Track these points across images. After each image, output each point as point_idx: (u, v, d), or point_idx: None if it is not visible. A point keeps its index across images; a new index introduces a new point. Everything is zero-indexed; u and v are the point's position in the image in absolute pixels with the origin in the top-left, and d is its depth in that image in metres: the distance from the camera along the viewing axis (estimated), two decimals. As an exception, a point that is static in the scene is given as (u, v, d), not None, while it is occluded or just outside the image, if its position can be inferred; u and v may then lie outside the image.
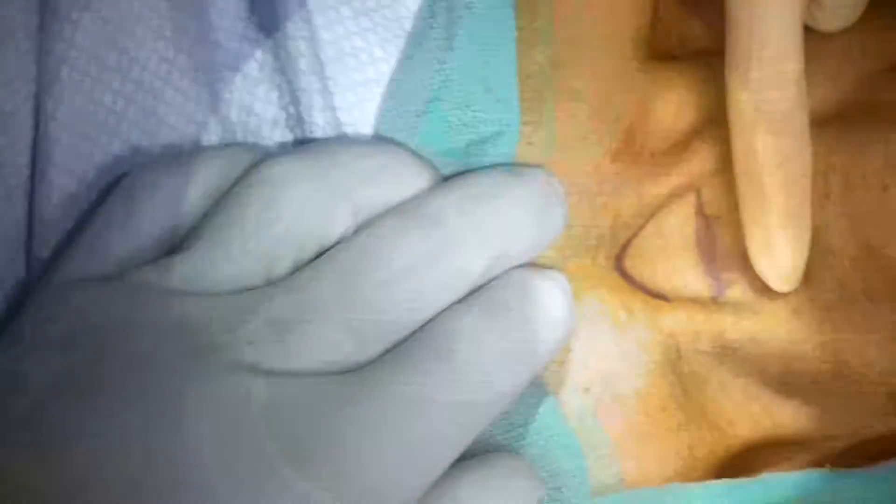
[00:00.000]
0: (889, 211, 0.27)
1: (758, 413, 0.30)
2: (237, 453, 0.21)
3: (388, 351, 0.24)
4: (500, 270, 0.26)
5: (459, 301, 0.25)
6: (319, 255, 0.25)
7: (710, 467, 0.30)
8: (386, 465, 0.22)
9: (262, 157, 0.26)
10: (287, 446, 0.22)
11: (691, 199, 0.30)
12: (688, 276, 0.30)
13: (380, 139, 0.27)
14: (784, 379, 0.29)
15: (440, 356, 0.24)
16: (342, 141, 0.27)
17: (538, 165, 0.28)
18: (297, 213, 0.25)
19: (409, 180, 0.27)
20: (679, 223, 0.30)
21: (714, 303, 0.30)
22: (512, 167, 0.28)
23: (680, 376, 0.30)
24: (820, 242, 0.28)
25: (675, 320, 0.30)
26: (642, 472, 0.29)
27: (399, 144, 0.27)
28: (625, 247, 0.30)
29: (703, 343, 0.30)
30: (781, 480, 0.27)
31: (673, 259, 0.30)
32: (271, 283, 0.25)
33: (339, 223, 0.25)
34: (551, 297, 0.26)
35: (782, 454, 0.29)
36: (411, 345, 0.24)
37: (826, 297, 0.28)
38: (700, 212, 0.30)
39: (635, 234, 0.30)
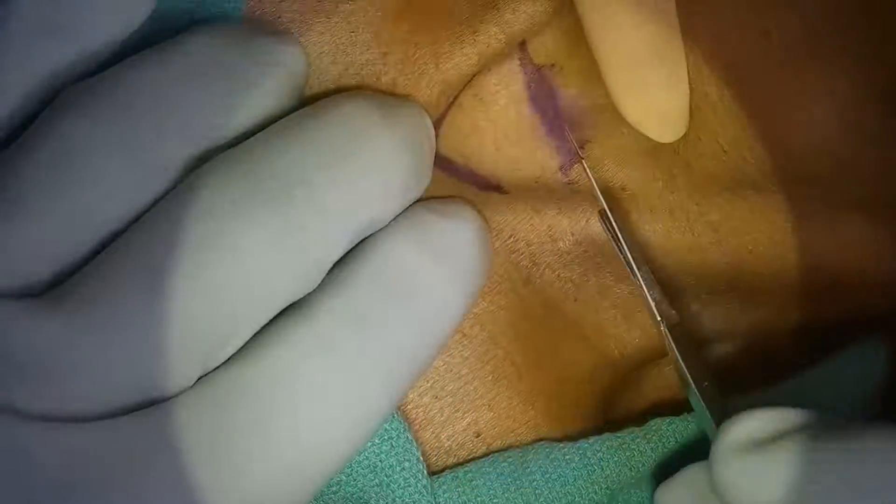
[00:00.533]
0: (772, 63, 0.24)
1: (646, 321, 0.27)
2: None
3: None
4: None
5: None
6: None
7: (591, 396, 0.28)
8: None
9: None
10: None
11: (513, 54, 0.25)
12: (525, 147, 0.26)
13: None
14: (673, 279, 0.27)
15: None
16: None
17: (406, 99, 0.25)
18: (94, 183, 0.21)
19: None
20: (502, 82, 0.26)
21: (567, 184, 0.26)
22: (379, 103, 0.23)
23: (537, 291, 0.27)
24: (694, 96, 0.24)
25: (519, 217, 0.26)
26: (502, 422, 0.27)
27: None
28: (436, 126, 0.25)
29: (563, 241, 0.27)
30: (662, 430, 0.26)
31: (502, 128, 0.26)
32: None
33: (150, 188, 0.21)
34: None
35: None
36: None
37: (706, 170, 0.26)
38: (528, 63, 0.25)
39: (448, 109, 0.26)
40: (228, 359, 0.21)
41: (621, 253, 0.25)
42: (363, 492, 0.25)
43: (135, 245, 0.20)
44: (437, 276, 0.23)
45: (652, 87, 0.24)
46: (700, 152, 0.26)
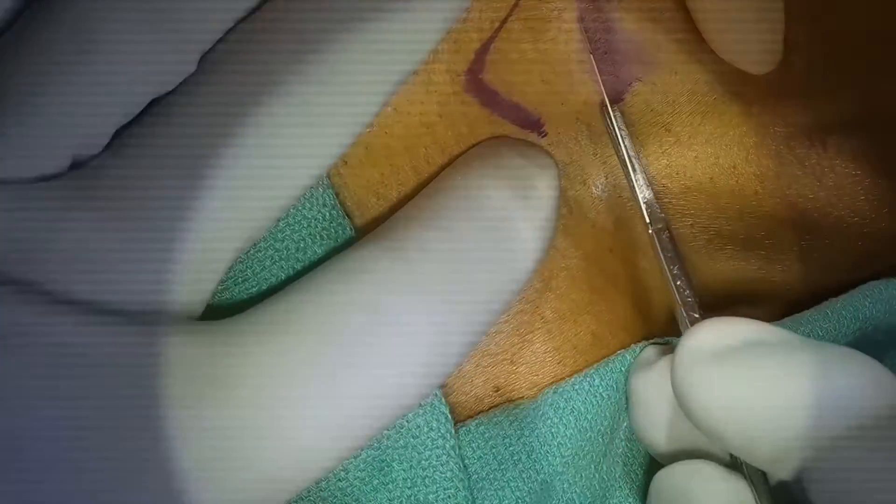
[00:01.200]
0: None
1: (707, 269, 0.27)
2: None
3: None
4: None
5: None
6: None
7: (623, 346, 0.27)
8: None
9: None
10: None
11: None
12: (571, 81, 0.25)
13: None
14: (723, 230, 0.27)
15: None
16: None
17: (537, 152, 0.24)
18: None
19: None
20: (555, 10, 0.24)
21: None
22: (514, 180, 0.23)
23: (574, 244, 0.26)
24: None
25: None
26: (528, 377, 0.26)
27: None
28: (482, 52, 0.25)
29: (596, 187, 0.26)
30: None
31: (550, 61, 0.25)
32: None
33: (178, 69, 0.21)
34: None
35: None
36: None
37: (784, 117, 0.26)
38: None
39: (496, 33, 0.25)
40: (262, 294, 0.21)
41: (618, 151, 0.25)
42: (385, 454, 0.24)
43: (153, 134, 0.20)
44: (526, 222, 0.22)
45: (745, 14, 0.23)
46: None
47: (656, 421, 0.26)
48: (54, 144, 0.20)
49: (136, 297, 0.19)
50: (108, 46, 0.19)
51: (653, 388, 0.25)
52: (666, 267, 0.25)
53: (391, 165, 0.25)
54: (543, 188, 0.23)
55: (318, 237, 0.23)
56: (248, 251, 0.23)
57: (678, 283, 0.24)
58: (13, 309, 0.18)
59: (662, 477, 0.25)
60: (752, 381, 0.21)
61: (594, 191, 0.26)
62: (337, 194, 0.24)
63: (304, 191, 0.21)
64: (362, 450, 0.21)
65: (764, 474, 0.23)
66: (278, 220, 0.22)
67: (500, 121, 0.25)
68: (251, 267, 0.22)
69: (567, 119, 0.26)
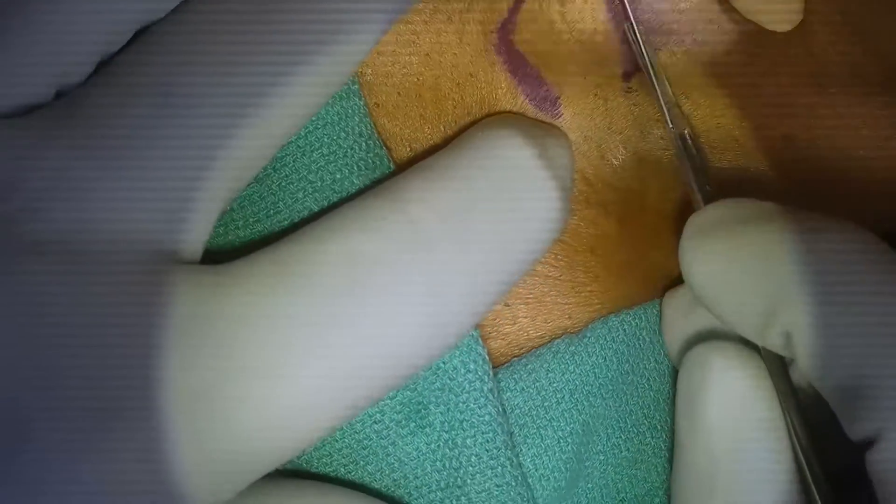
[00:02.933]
0: None
1: None
2: None
3: None
4: None
5: None
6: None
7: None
8: None
9: None
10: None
11: None
12: (596, 54, 0.24)
13: None
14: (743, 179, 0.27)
15: None
16: None
17: (551, 127, 0.24)
18: None
19: None
20: None
21: (626, 92, 0.25)
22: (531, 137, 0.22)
23: (604, 209, 0.26)
24: None
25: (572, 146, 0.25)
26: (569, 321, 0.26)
27: None
28: (512, 13, 0.25)
29: (616, 158, 0.26)
30: None
31: (577, 32, 0.24)
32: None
33: None
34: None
35: None
36: None
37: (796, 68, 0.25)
38: None
39: None
40: (294, 227, 0.20)
41: (641, 59, 0.24)
42: (422, 395, 0.23)
43: (141, 62, 0.19)
44: (545, 181, 0.21)
45: None
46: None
47: (678, 335, 0.26)
48: (38, 72, 0.19)
49: (122, 233, 0.18)
50: None
51: (675, 303, 0.26)
52: (688, 166, 0.25)
53: (421, 117, 0.25)
54: (560, 156, 0.23)
55: (355, 168, 0.22)
56: (279, 182, 0.22)
57: (698, 178, 0.25)
58: None
59: (685, 359, 0.25)
60: (733, 248, 0.22)
61: (614, 162, 0.26)
62: None
63: (300, 126, 0.20)
64: (358, 411, 0.20)
65: (782, 359, 0.23)
66: (273, 157, 0.21)
67: (520, 97, 0.25)
68: (283, 199, 0.22)
69: (585, 94, 0.25)
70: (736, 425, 0.23)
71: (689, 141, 0.25)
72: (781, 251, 0.22)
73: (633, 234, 0.26)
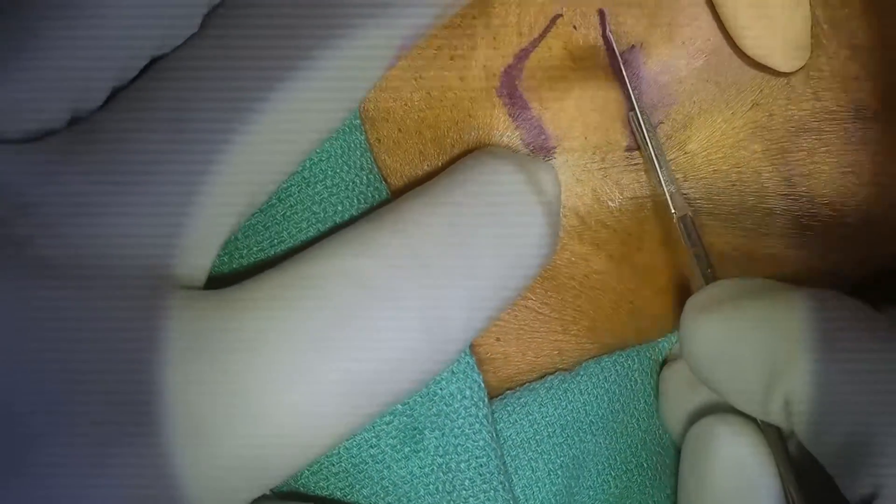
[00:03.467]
0: None
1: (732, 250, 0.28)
2: None
3: None
4: None
5: None
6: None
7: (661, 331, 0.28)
8: None
9: None
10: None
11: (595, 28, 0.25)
12: (601, 118, 0.25)
13: None
14: (740, 217, 0.27)
15: None
16: None
17: (539, 159, 0.25)
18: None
19: None
20: (588, 52, 0.25)
21: (626, 153, 0.26)
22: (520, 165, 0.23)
23: (598, 247, 0.27)
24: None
25: (563, 185, 0.26)
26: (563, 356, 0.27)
27: None
28: (522, 56, 0.25)
29: (612, 201, 0.26)
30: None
31: (588, 93, 0.25)
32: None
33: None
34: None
35: None
36: None
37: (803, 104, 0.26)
38: (611, 40, 0.25)
39: (539, 39, 0.25)
40: (281, 254, 0.21)
41: (644, 144, 0.25)
42: (418, 420, 0.23)
43: (155, 88, 0.19)
44: (535, 206, 0.22)
45: (775, 10, 0.24)
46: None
47: (679, 412, 0.27)
48: (52, 98, 0.19)
49: (134, 258, 0.19)
50: (114, 1, 0.19)
51: (677, 379, 0.26)
52: (690, 248, 0.25)
53: (420, 153, 0.25)
54: (548, 184, 0.23)
55: (355, 200, 0.23)
56: (284, 213, 0.23)
57: (699, 260, 0.25)
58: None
59: (692, 430, 0.25)
60: (731, 325, 0.23)
61: (610, 204, 0.26)
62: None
63: (307, 156, 0.21)
64: (357, 429, 0.20)
65: (779, 430, 0.24)
66: (280, 185, 0.21)
67: (516, 141, 0.26)
68: (287, 229, 0.23)
69: (583, 150, 0.26)
70: (742, 491, 0.24)
71: (691, 224, 0.25)
72: (777, 322, 0.22)
73: (625, 275, 0.27)
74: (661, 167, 0.25)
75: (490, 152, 0.23)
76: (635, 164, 0.26)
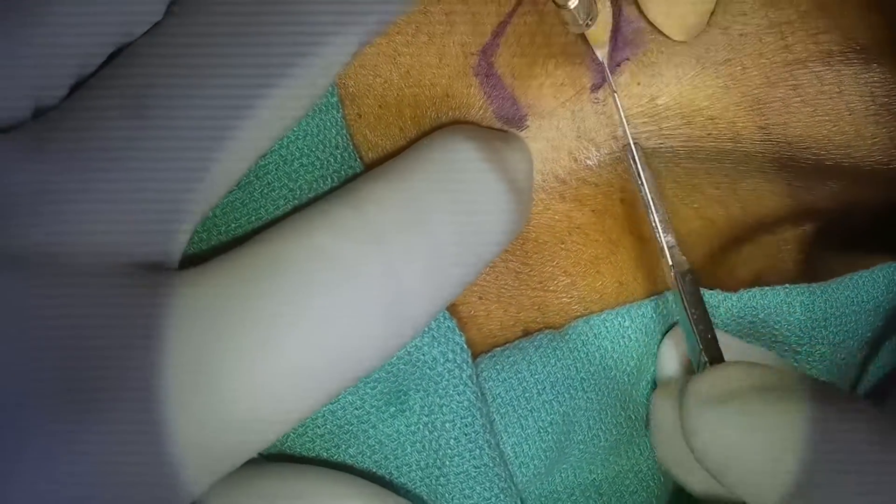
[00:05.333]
0: None
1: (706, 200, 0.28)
2: None
3: None
4: None
5: None
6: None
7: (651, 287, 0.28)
8: None
9: None
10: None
11: None
12: (570, 68, 0.26)
13: None
14: (715, 165, 0.27)
15: None
16: None
17: (509, 135, 0.25)
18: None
19: None
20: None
21: (594, 103, 0.26)
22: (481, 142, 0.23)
23: (580, 202, 0.27)
24: None
25: (538, 154, 0.26)
26: (550, 317, 0.27)
27: None
28: (498, 33, 0.26)
29: (591, 158, 0.27)
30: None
31: (556, 48, 0.26)
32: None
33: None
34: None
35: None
36: None
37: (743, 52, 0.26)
38: None
39: (513, 13, 0.26)
40: (243, 234, 0.21)
41: (642, 194, 0.26)
42: (402, 384, 0.24)
43: (118, 77, 0.19)
44: (494, 183, 0.23)
45: None
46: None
47: (674, 449, 0.26)
48: (13, 88, 0.19)
49: (103, 244, 0.19)
50: None
51: (669, 417, 0.26)
52: (687, 308, 0.25)
53: (401, 129, 0.26)
54: (516, 159, 0.24)
55: (329, 179, 0.24)
56: (262, 190, 0.24)
57: (700, 326, 0.25)
58: None
59: None
60: (745, 426, 0.22)
61: (588, 162, 0.27)
62: (355, 145, 0.25)
63: (280, 136, 0.21)
64: (333, 395, 0.21)
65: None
66: (254, 166, 0.22)
67: (490, 116, 0.26)
68: (265, 206, 0.23)
69: (553, 110, 0.26)
70: None
71: (691, 282, 0.25)
72: (797, 434, 0.22)
73: (607, 225, 0.27)
74: (657, 213, 0.25)
75: (452, 130, 0.24)
76: (604, 112, 0.27)
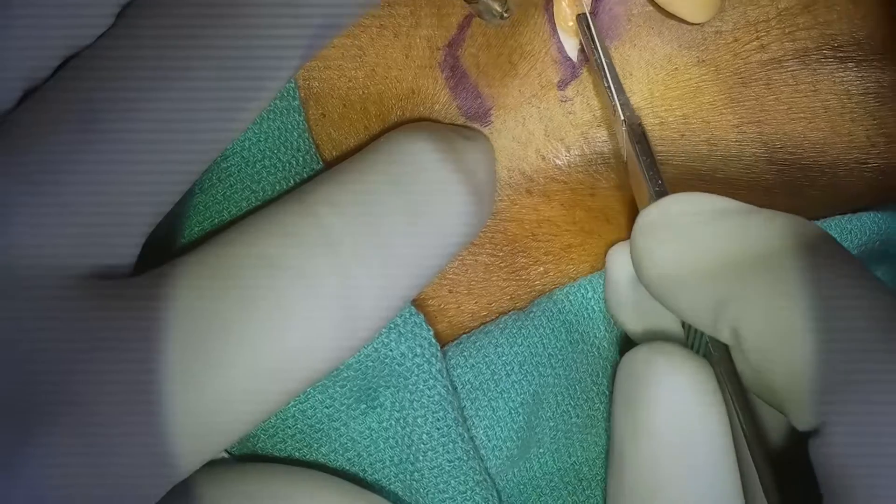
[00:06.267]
0: None
1: None
2: None
3: None
4: None
5: None
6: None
7: None
8: None
9: None
10: None
11: None
12: (535, 62, 0.26)
13: None
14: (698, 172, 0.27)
15: None
16: None
17: (468, 131, 0.25)
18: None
19: None
20: None
21: (562, 102, 0.26)
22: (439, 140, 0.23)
23: (547, 197, 0.27)
24: None
25: (503, 150, 0.26)
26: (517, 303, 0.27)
27: None
28: (462, 27, 0.26)
29: (559, 158, 0.27)
30: None
31: (521, 40, 0.26)
32: None
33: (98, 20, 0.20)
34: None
35: None
36: None
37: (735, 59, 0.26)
38: None
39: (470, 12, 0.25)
40: (213, 236, 0.21)
41: (595, 54, 0.25)
42: (372, 382, 0.24)
43: (66, 87, 0.19)
44: (458, 183, 0.22)
45: None
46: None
47: (624, 299, 0.26)
48: None
49: (46, 256, 0.19)
50: (20, 1, 0.19)
51: (621, 266, 0.26)
52: (639, 159, 0.25)
53: (366, 128, 0.26)
54: (475, 155, 0.23)
55: (292, 181, 0.24)
56: (224, 192, 0.24)
57: (650, 172, 0.25)
58: None
59: (626, 359, 0.25)
60: (684, 246, 0.22)
61: (557, 161, 0.27)
62: (317, 145, 0.25)
63: (223, 149, 0.21)
64: (288, 399, 0.20)
65: (727, 351, 0.23)
66: (199, 177, 0.21)
67: (454, 111, 0.26)
68: (228, 209, 0.24)
69: (517, 104, 0.26)
70: (683, 434, 0.23)
71: (642, 134, 0.25)
72: (730, 248, 0.22)
73: (578, 217, 0.27)
74: (609, 70, 0.25)
75: (407, 128, 0.23)
76: (572, 111, 0.27)
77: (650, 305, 0.25)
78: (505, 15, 0.24)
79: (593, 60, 0.26)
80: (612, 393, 0.26)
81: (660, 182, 0.25)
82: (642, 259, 0.23)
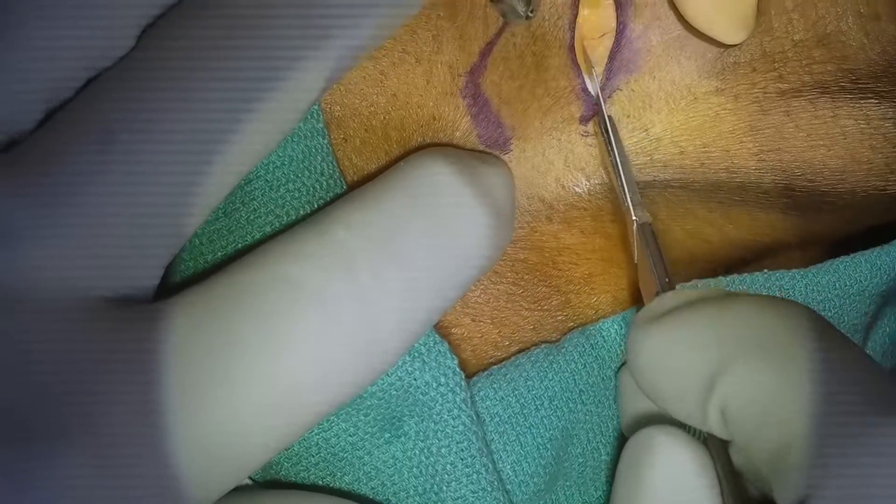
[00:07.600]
0: None
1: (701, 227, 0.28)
2: None
3: None
4: None
5: None
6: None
7: None
8: None
9: None
10: None
11: None
12: (558, 95, 0.26)
13: None
14: (713, 194, 0.27)
15: None
16: None
17: (487, 156, 0.25)
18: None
19: None
20: (553, 16, 0.25)
21: (583, 136, 0.26)
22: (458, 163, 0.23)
23: (569, 224, 0.27)
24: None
25: (522, 178, 0.26)
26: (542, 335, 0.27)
27: None
28: (485, 53, 0.26)
29: (579, 186, 0.27)
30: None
31: (544, 73, 0.25)
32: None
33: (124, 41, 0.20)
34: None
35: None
36: None
37: (759, 82, 0.26)
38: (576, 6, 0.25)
39: (499, 35, 0.25)
40: (227, 261, 0.21)
41: (608, 150, 0.26)
42: (396, 411, 0.24)
43: (85, 109, 0.19)
44: (479, 207, 0.22)
45: None
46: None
47: (627, 416, 0.26)
48: None
49: (61, 279, 0.19)
50: (41, 22, 0.19)
51: (629, 381, 0.26)
52: (648, 256, 0.25)
53: (387, 154, 0.26)
54: (496, 180, 0.23)
55: (316, 204, 0.24)
56: (248, 217, 0.23)
57: (658, 269, 0.25)
58: None
59: (632, 440, 0.25)
60: (671, 333, 0.23)
61: (577, 190, 0.27)
62: (340, 170, 0.25)
63: (247, 171, 0.21)
64: (308, 427, 0.20)
65: (724, 444, 0.23)
66: (222, 201, 0.21)
67: (474, 139, 0.26)
68: (251, 233, 0.23)
69: (538, 135, 0.26)
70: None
71: (650, 233, 0.25)
72: (716, 328, 0.22)
73: (598, 245, 0.27)
74: (624, 171, 0.25)
75: (428, 152, 0.23)
76: (593, 143, 0.27)
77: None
78: (530, 15, 0.24)
79: (608, 161, 0.26)
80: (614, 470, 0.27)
81: (667, 280, 0.25)
82: (634, 350, 0.23)
